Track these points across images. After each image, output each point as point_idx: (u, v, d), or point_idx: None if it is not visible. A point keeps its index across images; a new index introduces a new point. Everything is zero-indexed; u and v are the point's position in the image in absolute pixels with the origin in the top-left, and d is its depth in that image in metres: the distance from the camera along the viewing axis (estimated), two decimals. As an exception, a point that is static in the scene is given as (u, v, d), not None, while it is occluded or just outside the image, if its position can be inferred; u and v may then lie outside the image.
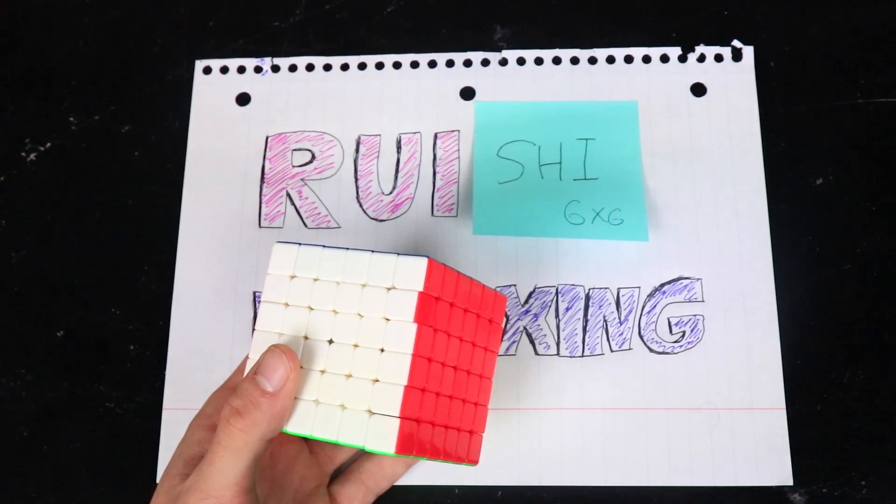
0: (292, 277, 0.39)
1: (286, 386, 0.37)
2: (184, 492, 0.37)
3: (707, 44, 0.54)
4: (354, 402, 0.36)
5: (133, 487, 0.48)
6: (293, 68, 0.55)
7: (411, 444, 0.37)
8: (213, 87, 0.55)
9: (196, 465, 0.38)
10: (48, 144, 0.55)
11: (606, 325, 0.50)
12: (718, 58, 0.54)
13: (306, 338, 0.38)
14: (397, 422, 0.36)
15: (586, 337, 0.49)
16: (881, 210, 0.51)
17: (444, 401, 0.39)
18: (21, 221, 0.53)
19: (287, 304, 0.39)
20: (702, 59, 0.54)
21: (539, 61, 0.54)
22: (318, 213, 0.52)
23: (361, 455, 0.46)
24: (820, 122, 0.53)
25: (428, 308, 0.37)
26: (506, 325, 0.50)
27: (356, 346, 0.37)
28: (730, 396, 0.48)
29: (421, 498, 0.47)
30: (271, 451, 0.43)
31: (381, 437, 0.36)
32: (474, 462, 0.42)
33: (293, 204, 0.53)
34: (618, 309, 0.50)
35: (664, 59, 0.54)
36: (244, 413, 0.36)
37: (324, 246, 0.39)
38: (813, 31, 0.55)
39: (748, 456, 0.47)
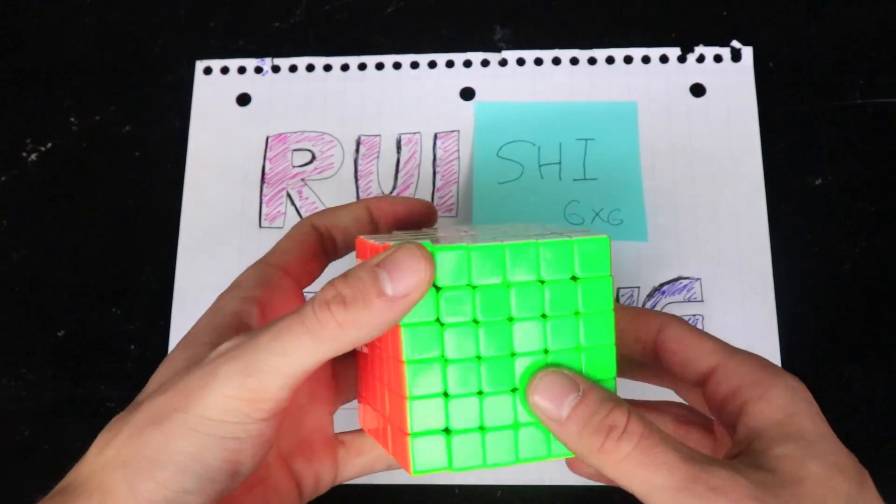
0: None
1: (411, 298, 0.29)
2: (218, 358, 0.30)
3: (706, 44, 0.55)
4: None
5: (133, 487, 0.48)
6: (293, 69, 0.55)
7: None
8: (213, 87, 0.55)
9: (230, 337, 0.31)
10: (49, 144, 0.55)
11: (606, 325, 0.50)
12: (718, 58, 0.54)
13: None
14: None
15: (586, 337, 0.49)
16: (881, 210, 0.51)
17: None
18: (21, 221, 0.54)
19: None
20: (701, 59, 0.54)
21: (539, 61, 0.55)
22: (318, 214, 0.52)
23: None
24: (820, 122, 0.53)
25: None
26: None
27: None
28: (729, 396, 0.48)
29: (421, 497, 0.47)
30: None
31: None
32: None
33: (293, 204, 0.53)
34: (617, 309, 0.50)
35: (663, 59, 0.54)
36: (351, 305, 0.29)
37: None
38: (813, 31, 0.55)
39: (748, 456, 0.47)
